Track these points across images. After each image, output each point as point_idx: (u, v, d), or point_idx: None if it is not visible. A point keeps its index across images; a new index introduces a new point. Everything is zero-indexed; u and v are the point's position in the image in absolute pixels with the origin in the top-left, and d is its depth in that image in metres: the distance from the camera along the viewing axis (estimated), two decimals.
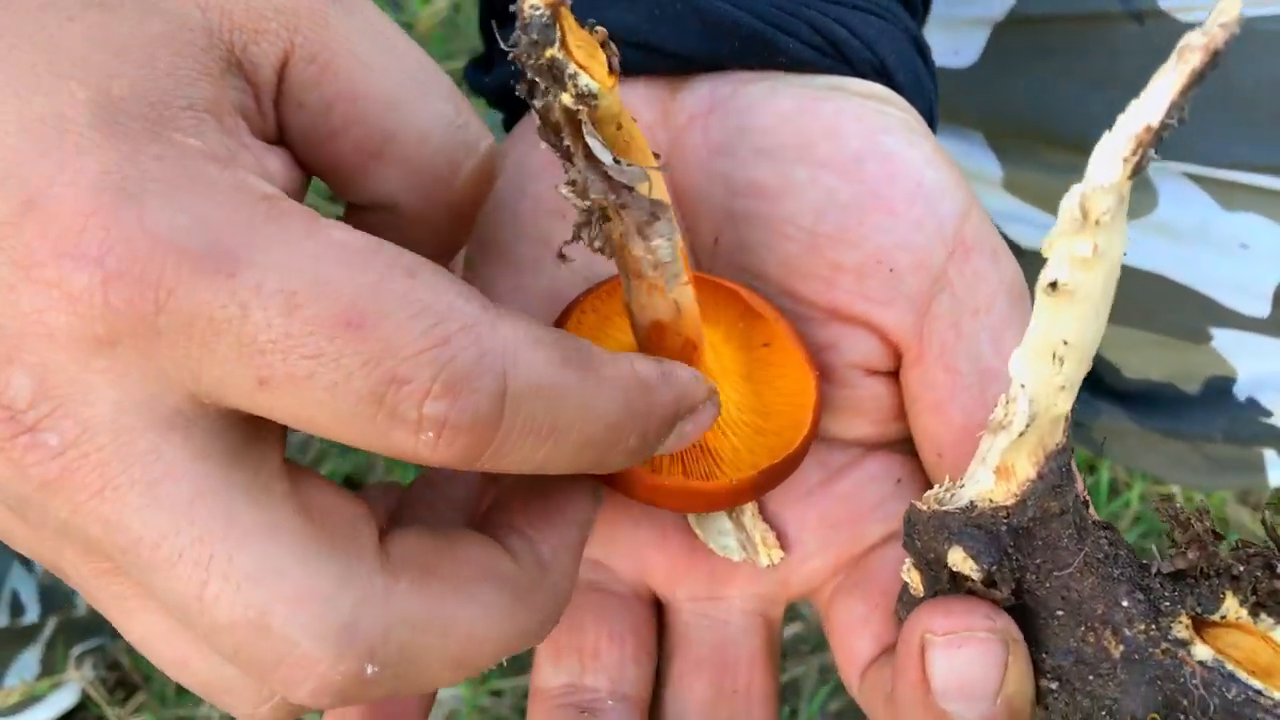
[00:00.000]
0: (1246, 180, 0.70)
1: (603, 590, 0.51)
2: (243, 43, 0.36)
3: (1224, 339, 0.76)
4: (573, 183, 0.39)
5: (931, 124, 0.52)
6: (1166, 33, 0.70)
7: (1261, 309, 0.74)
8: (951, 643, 0.41)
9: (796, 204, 0.48)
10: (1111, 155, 0.34)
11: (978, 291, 0.47)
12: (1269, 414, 0.76)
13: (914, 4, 0.56)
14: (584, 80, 0.37)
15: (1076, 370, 0.38)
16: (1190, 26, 0.68)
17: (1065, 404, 0.39)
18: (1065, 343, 0.37)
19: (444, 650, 0.36)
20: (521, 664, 1.12)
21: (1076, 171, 0.54)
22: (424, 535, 0.38)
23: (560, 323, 0.49)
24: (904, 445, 0.51)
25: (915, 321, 0.48)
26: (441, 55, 1.54)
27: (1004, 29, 0.74)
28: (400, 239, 0.36)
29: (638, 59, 0.50)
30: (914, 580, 0.45)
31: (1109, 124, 0.71)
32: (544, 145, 0.39)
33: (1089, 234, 0.35)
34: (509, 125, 0.58)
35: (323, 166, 0.39)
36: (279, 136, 0.39)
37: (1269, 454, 0.75)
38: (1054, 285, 0.36)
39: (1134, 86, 0.67)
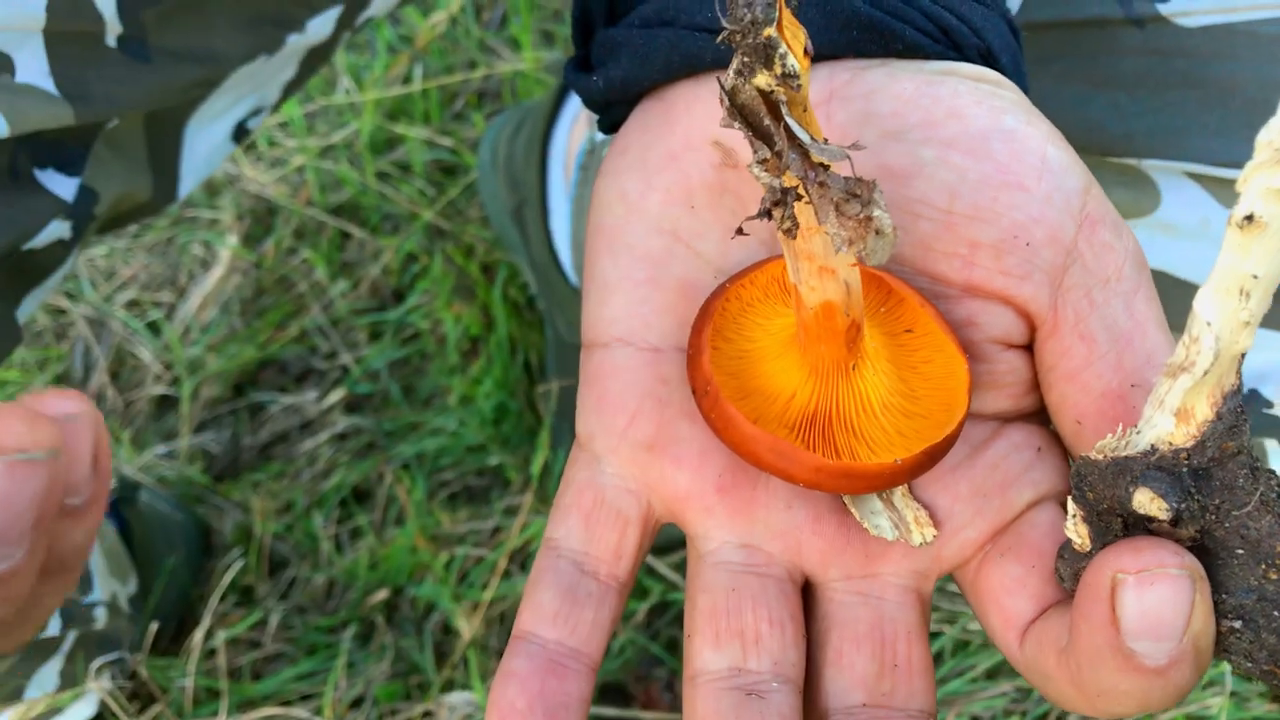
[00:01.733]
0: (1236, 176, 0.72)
1: (761, 574, 0.52)
2: None
3: None
4: (765, 162, 0.40)
5: None
6: (1166, 37, 0.73)
7: None
8: (1144, 580, 0.42)
9: (928, 184, 0.50)
10: None
11: (1106, 262, 0.49)
12: (1270, 405, 0.78)
13: None
14: (791, 61, 0.38)
15: (1261, 305, 0.40)
16: (1190, 31, 0.72)
17: (1248, 340, 0.41)
18: (1255, 277, 0.39)
19: None
20: None
21: None
22: None
23: (706, 311, 0.50)
24: (1039, 416, 0.53)
25: (1051, 294, 0.49)
26: (440, 69, 1.55)
27: None
28: None
29: None
30: (1080, 534, 0.46)
31: (1112, 127, 0.74)
32: (733, 126, 0.40)
33: None
34: (606, 126, 0.59)
35: None
36: None
37: (1270, 444, 0.78)
38: (1249, 219, 0.38)
39: (1135, 88, 0.70)
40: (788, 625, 0.51)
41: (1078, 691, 0.45)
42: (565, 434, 1.23)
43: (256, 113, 0.81)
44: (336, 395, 1.32)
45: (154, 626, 1.09)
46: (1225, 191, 0.74)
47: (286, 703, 1.12)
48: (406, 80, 1.54)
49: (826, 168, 0.40)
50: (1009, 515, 0.51)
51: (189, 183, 0.79)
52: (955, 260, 0.50)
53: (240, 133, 0.81)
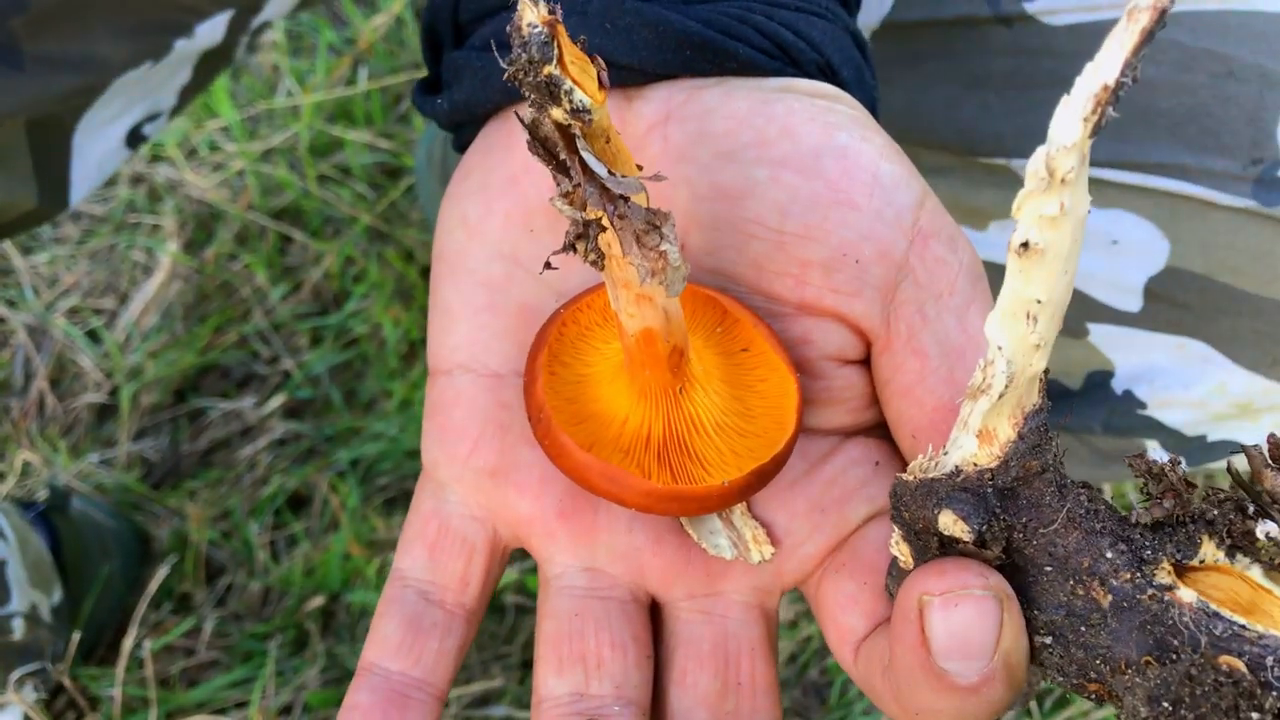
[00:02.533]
0: (1115, 178, 0.73)
1: (602, 597, 0.53)
2: None
3: (1100, 334, 0.79)
4: (567, 195, 0.41)
5: (874, 115, 0.55)
6: (1033, 36, 0.74)
7: (1133, 304, 0.77)
8: (948, 602, 0.42)
9: (761, 204, 0.51)
10: (1072, 116, 0.37)
11: (939, 277, 0.50)
12: (1144, 405, 0.79)
13: (849, 1, 0.58)
14: (579, 95, 0.39)
15: (1050, 328, 0.41)
16: (1056, 30, 0.73)
17: (1041, 363, 0.42)
18: (1038, 301, 0.40)
19: None
20: (469, 673, 1.13)
21: (953, 173, 0.57)
22: None
23: (542, 336, 0.51)
24: (878, 430, 0.53)
25: (882, 310, 0.50)
26: (386, 70, 1.56)
27: (878, 36, 0.78)
28: None
29: None
30: (903, 553, 0.47)
31: (981, 127, 0.75)
32: (536, 161, 0.41)
33: (1055, 193, 0.37)
34: (458, 145, 0.60)
35: None
36: None
37: (1151, 445, 0.79)
38: (1025, 246, 0.39)
39: (1003, 88, 0.71)
40: (630, 647, 0.52)
41: (900, 709, 0.46)
42: None
43: (152, 118, 0.80)
44: (276, 401, 1.33)
45: (76, 636, 1.09)
46: (1094, 191, 0.75)
47: (220, 710, 1.13)
48: (350, 83, 1.55)
49: (626, 199, 0.41)
50: (845, 530, 0.52)
51: (81, 190, 0.78)
52: (788, 279, 0.51)
53: (135, 138, 0.80)
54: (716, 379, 0.51)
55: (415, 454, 1.29)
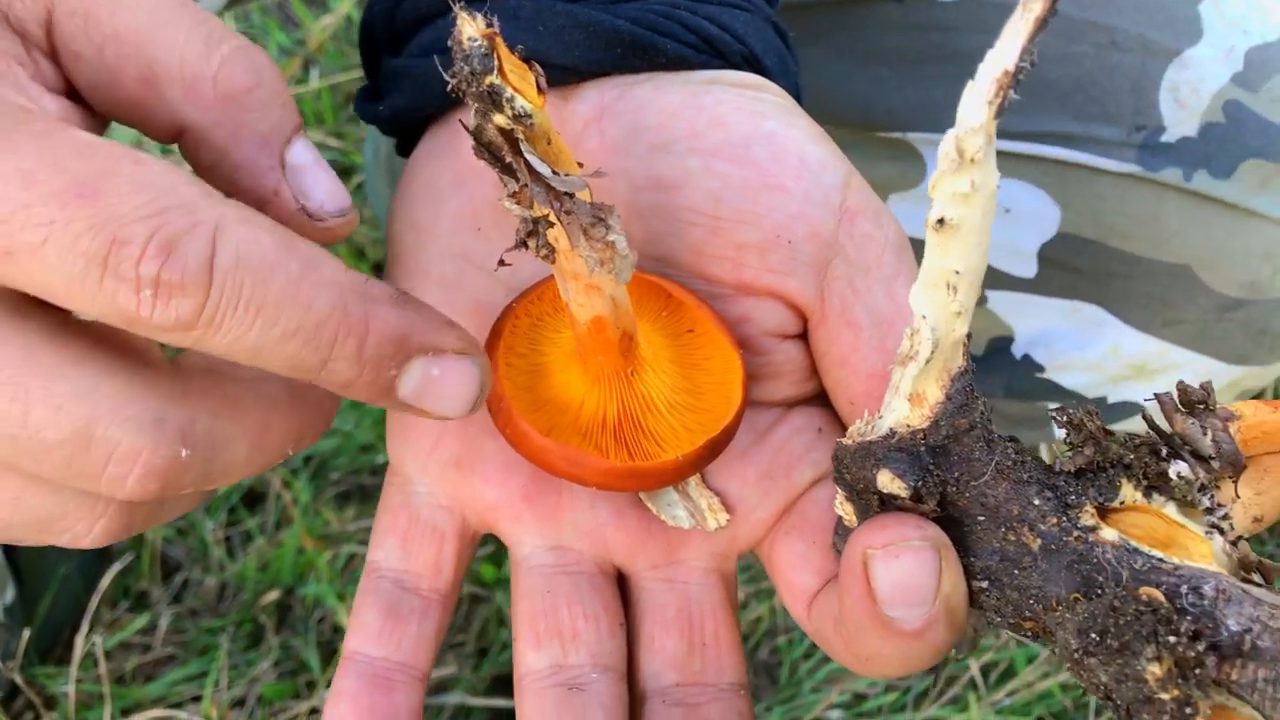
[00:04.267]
0: (1007, 148, 0.77)
1: (571, 573, 0.56)
2: (6, 4, 0.43)
3: (998, 300, 0.83)
4: (515, 195, 0.45)
5: (799, 101, 0.59)
6: (923, 11, 0.78)
7: (1028, 269, 0.81)
8: (889, 553, 0.46)
9: (695, 193, 0.54)
10: (977, 100, 0.41)
11: (867, 251, 0.53)
12: (1042, 369, 0.84)
13: None
14: (520, 102, 0.42)
15: (969, 296, 0.45)
16: (944, 5, 0.77)
17: (963, 328, 0.46)
18: (956, 272, 0.44)
19: (242, 434, 0.42)
20: (442, 684, 1.17)
21: (852, 148, 0.61)
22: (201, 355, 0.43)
23: (497, 329, 0.54)
24: (820, 399, 0.57)
25: (816, 286, 0.54)
26: (338, 68, 1.58)
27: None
28: (212, 163, 0.45)
29: None
30: (847, 513, 0.51)
31: (877, 103, 0.79)
32: (481, 164, 0.44)
33: (966, 172, 0.42)
34: (402, 150, 0.62)
35: (121, 111, 0.45)
36: (68, 89, 0.45)
37: (1051, 406, 0.84)
38: (941, 222, 0.43)
39: (896, 64, 0.76)
40: (602, 617, 0.55)
41: (852, 656, 0.50)
42: None
43: None
44: None
45: (27, 633, 1.11)
46: None
47: (177, 705, 1.16)
48: (301, 82, 1.57)
49: (571, 196, 0.45)
50: (794, 494, 0.56)
51: None
52: (725, 262, 0.54)
53: None
54: (665, 360, 0.55)
55: (368, 449, 1.31)
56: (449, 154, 0.58)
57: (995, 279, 0.82)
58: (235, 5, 0.89)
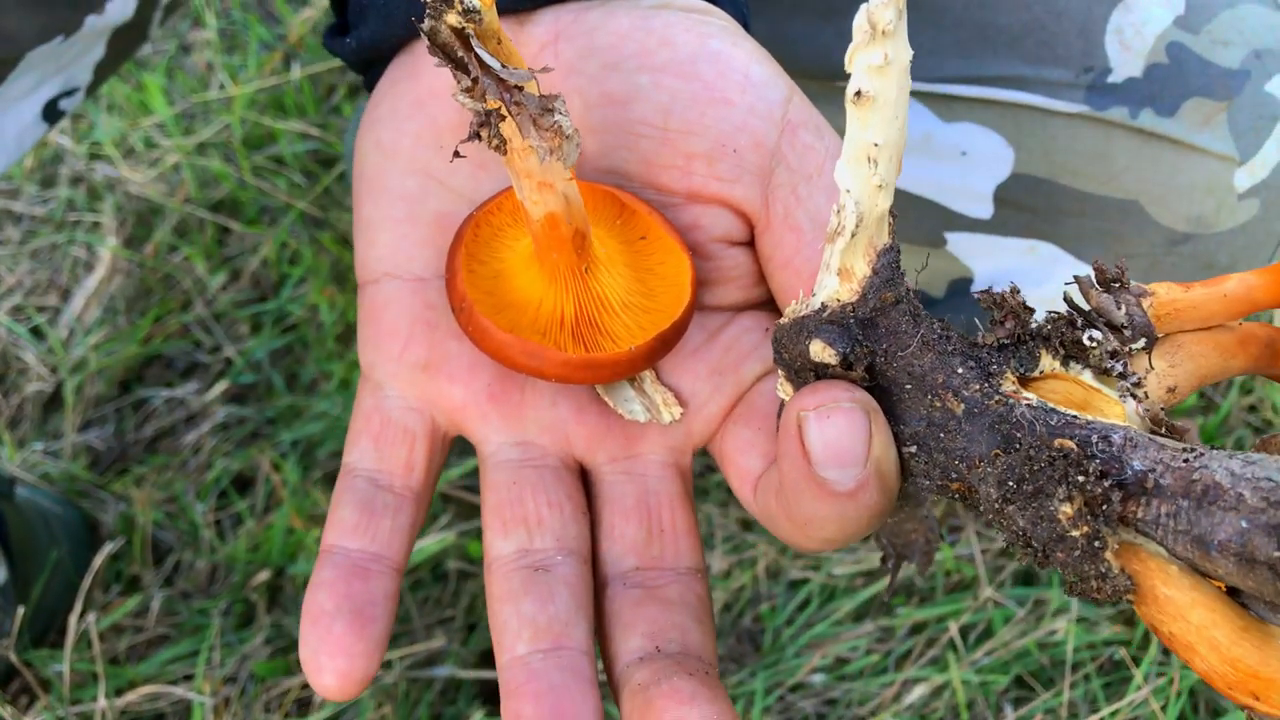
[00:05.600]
0: (960, 92, 0.83)
1: (536, 465, 0.61)
2: None
3: (957, 242, 0.88)
4: (468, 90, 0.50)
5: (746, 28, 0.63)
6: None
7: (985, 210, 0.86)
8: (821, 414, 0.49)
9: (645, 106, 0.59)
10: None
11: (808, 161, 0.58)
12: None
13: None
14: (469, 0, 0.47)
15: (889, 170, 0.50)
16: None
17: (885, 202, 0.51)
18: (876, 145, 0.49)
19: None
20: (412, 635, 1.21)
21: (818, 98, 0.66)
22: None
23: (459, 238, 0.58)
24: (768, 304, 0.62)
25: (761, 193, 0.58)
26: (318, 60, 1.64)
27: None
28: None
29: None
30: (787, 393, 0.55)
31: (838, 54, 0.84)
32: (436, 79, 0.50)
33: (879, 44, 0.46)
34: (369, 84, 0.67)
35: None
36: None
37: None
38: (858, 94, 0.48)
39: (854, 16, 0.80)
40: (565, 505, 0.60)
41: (791, 524, 0.54)
42: None
43: (69, 94, 0.84)
44: (220, 388, 1.40)
45: (21, 610, 1.15)
46: (942, 106, 0.84)
47: (171, 683, 1.20)
48: (282, 75, 1.63)
49: (520, 88, 0.50)
50: (743, 388, 0.61)
51: (1, 162, 0.82)
52: (675, 171, 0.59)
53: (52, 113, 0.84)
54: (619, 264, 0.59)
55: None
56: (409, 79, 0.63)
57: (953, 221, 0.87)
58: (172, 13, 0.93)
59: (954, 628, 1.15)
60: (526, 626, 0.56)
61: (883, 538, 0.68)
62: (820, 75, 0.86)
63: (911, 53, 0.48)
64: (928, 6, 0.82)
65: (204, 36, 1.70)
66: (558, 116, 0.50)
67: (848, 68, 0.48)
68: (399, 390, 0.62)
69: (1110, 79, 0.80)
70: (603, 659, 0.58)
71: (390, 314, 0.62)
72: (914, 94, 0.84)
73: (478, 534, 1.29)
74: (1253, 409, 1.34)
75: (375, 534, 0.58)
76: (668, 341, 0.58)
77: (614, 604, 0.59)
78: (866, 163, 0.49)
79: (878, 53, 0.47)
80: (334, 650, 0.53)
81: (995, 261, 0.87)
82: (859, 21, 0.46)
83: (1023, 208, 0.84)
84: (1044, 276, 0.87)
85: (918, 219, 0.89)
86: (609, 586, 0.59)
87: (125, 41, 0.85)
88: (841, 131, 0.59)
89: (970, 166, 0.85)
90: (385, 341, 0.62)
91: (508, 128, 0.51)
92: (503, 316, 0.58)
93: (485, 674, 1.19)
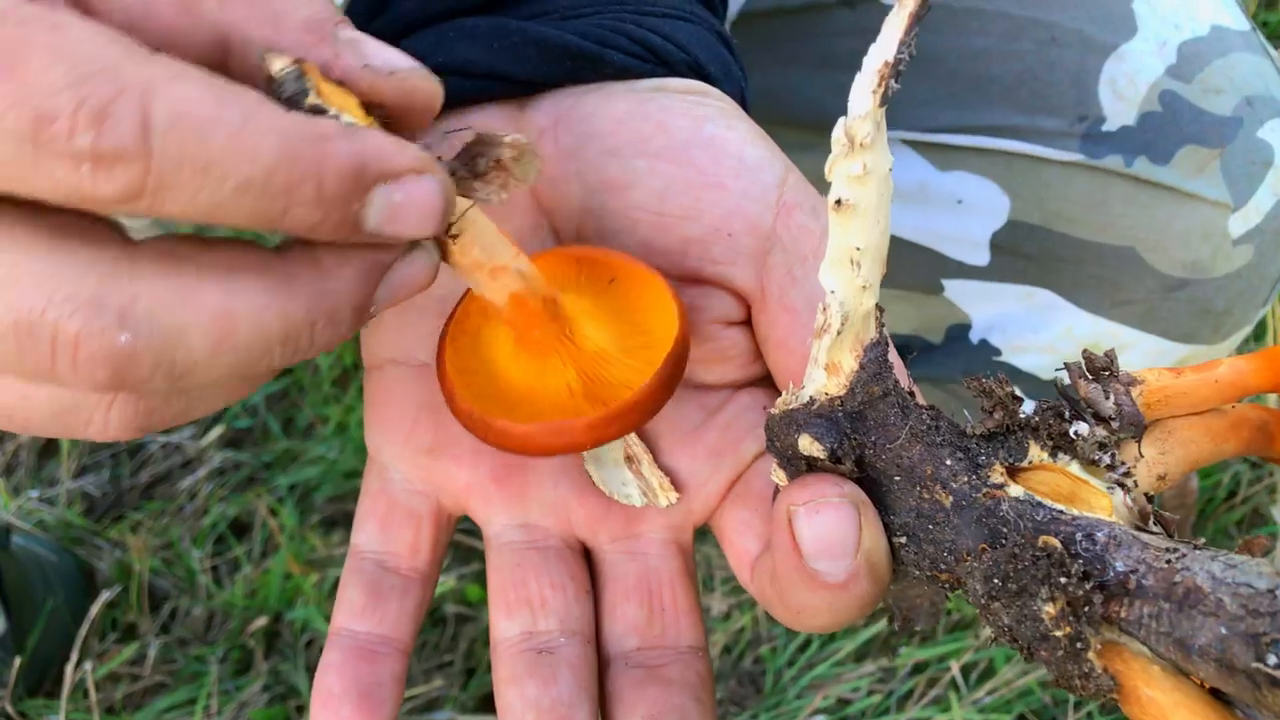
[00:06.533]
0: (956, 141, 0.85)
1: (539, 547, 0.62)
2: None
3: (954, 288, 0.90)
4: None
5: (745, 105, 0.65)
6: (875, 15, 0.84)
7: (981, 257, 0.88)
8: (811, 509, 0.51)
9: (642, 192, 0.60)
10: (863, 90, 0.47)
11: (803, 242, 0.59)
12: (998, 352, 0.90)
13: (714, 4, 0.69)
14: (347, 119, 0.45)
15: (872, 270, 0.51)
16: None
17: (869, 301, 0.52)
18: (858, 249, 0.50)
19: (198, 325, 0.41)
20: (412, 680, 1.22)
21: (814, 148, 0.68)
22: (182, 238, 0.42)
23: (441, 359, 0.58)
24: (766, 381, 0.63)
25: (757, 275, 0.60)
26: None
27: (736, 26, 0.88)
28: None
29: (487, 87, 0.63)
30: (781, 479, 0.57)
31: (832, 103, 0.86)
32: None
33: (857, 155, 0.48)
34: None
35: (161, 37, 0.45)
36: None
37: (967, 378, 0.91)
38: (839, 203, 0.49)
39: (850, 67, 0.84)
40: (569, 585, 0.62)
41: (785, 610, 0.55)
42: None
43: None
44: (216, 432, 1.42)
45: (18, 661, 1.17)
46: (938, 155, 0.86)
47: None
48: None
49: (440, 160, 0.48)
50: (741, 467, 0.62)
51: None
52: (672, 255, 0.61)
53: None
54: (599, 313, 0.59)
55: (352, 475, 1.38)
56: None
57: (950, 268, 0.89)
58: None
59: (955, 667, 1.16)
60: (530, 709, 0.58)
61: (888, 600, 0.69)
62: (815, 126, 0.87)
63: (892, 159, 0.49)
64: (923, 57, 0.84)
65: None
66: (499, 150, 0.50)
67: (828, 177, 0.49)
68: (405, 473, 0.64)
69: (1104, 128, 0.82)
70: None
71: (395, 399, 0.64)
72: (909, 143, 0.86)
73: (475, 577, 1.30)
74: None
75: (383, 616, 0.60)
76: (680, 360, 0.58)
77: (616, 684, 0.61)
78: (850, 265, 0.51)
79: (856, 164, 0.48)
80: None
81: (993, 308, 0.89)
82: (837, 134, 0.48)
83: (1019, 254, 0.86)
84: (1041, 323, 0.89)
85: (915, 266, 0.91)
86: (611, 666, 0.61)
87: None
88: None
89: (966, 214, 0.86)
90: (391, 426, 0.64)
91: (456, 249, 0.52)
92: (517, 412, 0.58)
93: (485, 718, 1.21)
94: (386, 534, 0.63)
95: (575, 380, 0.58)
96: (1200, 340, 0.86)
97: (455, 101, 0.64)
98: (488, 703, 1.24)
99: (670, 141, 0.61)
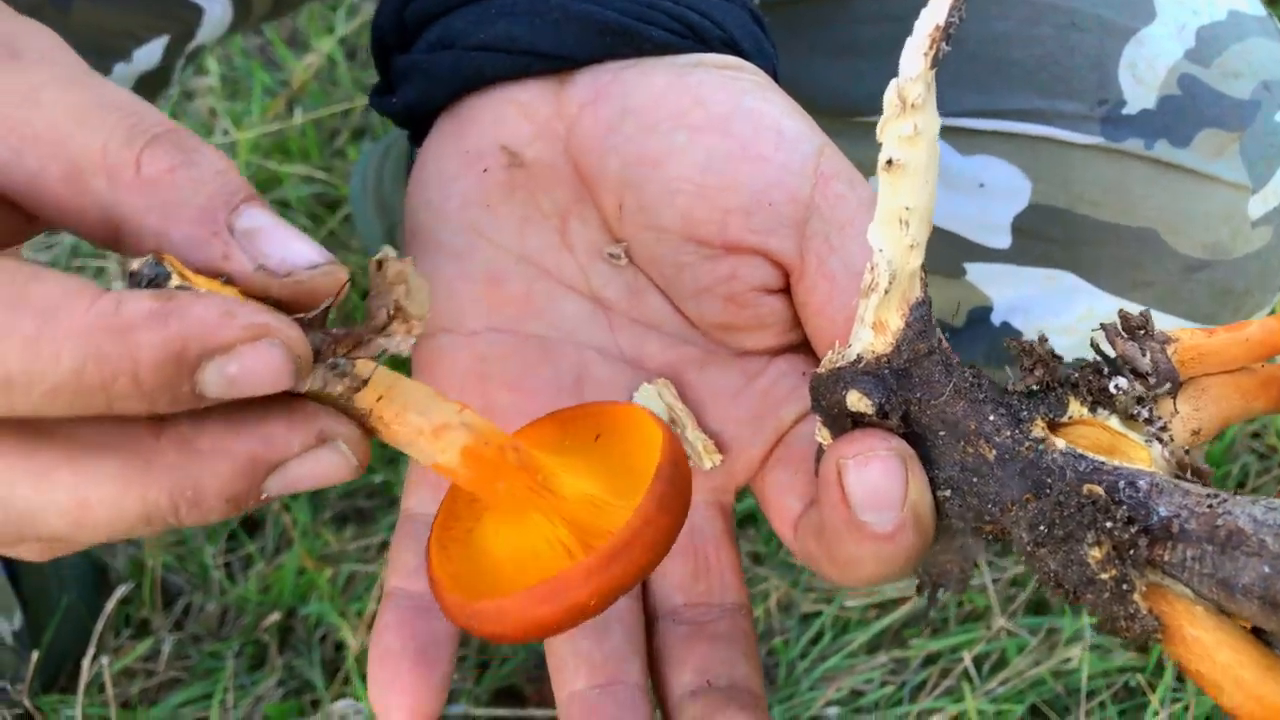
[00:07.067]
0: (977, 125, 0.88)
1: None
2: None
3: (976, 272, 0.93)
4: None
5: (775, 80, 0.68)
6: (897, 4, 0.88)
7: (1003, 241, 0.91)
8: (860, 462, 0.54)
9: (683, 164, 0.63)
10: (914, 52, 0.50)
11: (840, 211, 0.62)
12: (1020, 334, 0.92)
13: None
14: (184, 287, 0.42)
15: (920, 230, 0.54)
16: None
17: (916, 261, 0.55)
18: (907, 208, 0.53)
19: (53, 506, 0.42)
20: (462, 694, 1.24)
21: (838, 134, 0.70)
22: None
23: (431, 570, 0.53)
24: (805, 347, 0.66)
25: (796, 244, 0.62)
26: (321, 104, 1.68)
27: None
28: (154, 249, 0.43)
29: (528, 63, 0.65)
30: (825, 437, 0.59)
31: (855, 90, 0.88)
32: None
33: (909, 116, 0.51)
34: (415, 139, 0.72)
35: (52, 213, 0.44)
36: None
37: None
38: (890, 163, 0.52)
39: (873, 54, 0.87)
40: None
41: (832, 564, 0.58)
42: None
43: None
44: None
45: (35, 655, 1.18)
46: (960, 140, 0.89)
47: None
48: (285, 120, 1.68)
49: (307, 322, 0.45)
50: (781, 431, 0.65)
51: None
52: (712, 225, 0.63)
53: None
54: (585, 466, 0.55)
55: (365, 470, 1.40)
56: (455, 139, 0.68)
57: (972, 251, 0.92)
58: (236, 32, 0.97)
59: (968, 658, 1.19)
60: (583, 663, 0.61)
61: (919, 567, 0.72)
62: (837, 112, 0.90)
63: (940, 122, 0.52)
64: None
65: (206, 83, 1.74)
66: (396, 294, 0.48)
67: (879, 137, 0.52)
68: None
69: (1125, 111, 0.84)
70: (656, 693, 0.63)
71: (444, 367, 0.67)
72: None
73: None
74: (1256, 435, 1.38)
75: None
76: (672, 477, 0.51)
77: (664, 640, 0.63)
78: (899, 224, 0.53)
79: (908, 124, 0.51)
80: (403, 689, 0.58)
81: (1015, 291, 0.92)
82: (889, 95, 0.51)
83: (1041, 238, 0.89)
84: (1063, 305, 0.91)
85: (937, 250, 0.93)
86: (659, 622, 0.64)
87: (150, 88, 0.89)
88: (860, 168, 0.63)
89: (988, 198, 0.89)
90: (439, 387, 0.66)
91: (361, 400, 0.48)
92: (516, 587, 0.50)
93: (499, 711, 1.23)
94: (438, 498, 0.65)
95: (567, 535, 0.52)
96: (1221, 321, 0.89)
97: (497, 78, 0.66)
98: (502, 696, 1.26)
99: (710, 115, 0.63)
